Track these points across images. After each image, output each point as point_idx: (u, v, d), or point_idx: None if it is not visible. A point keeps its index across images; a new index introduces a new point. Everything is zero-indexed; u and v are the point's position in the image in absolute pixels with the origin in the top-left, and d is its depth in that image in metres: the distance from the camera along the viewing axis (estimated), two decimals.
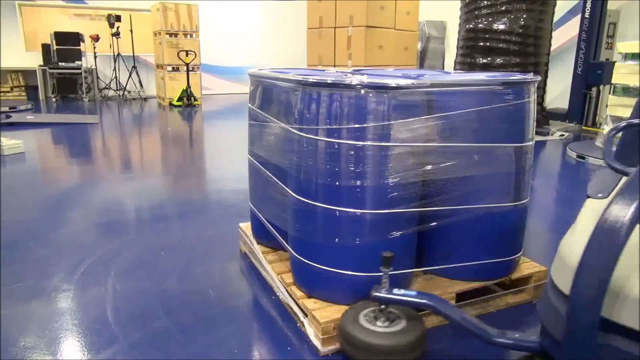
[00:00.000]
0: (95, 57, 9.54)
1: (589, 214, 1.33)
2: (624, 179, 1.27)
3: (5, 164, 4.32)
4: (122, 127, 6.98)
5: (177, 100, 9.20)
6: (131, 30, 9.75)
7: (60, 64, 9.45)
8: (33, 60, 9.49)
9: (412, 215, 1.71)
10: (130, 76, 9.81)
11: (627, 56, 4.91)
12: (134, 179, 4.08)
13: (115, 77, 9.87)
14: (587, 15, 6.48)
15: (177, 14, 9.13)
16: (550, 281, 1.28)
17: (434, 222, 1.77)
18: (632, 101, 4.75)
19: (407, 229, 1.70)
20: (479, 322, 1.47)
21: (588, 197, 1.46)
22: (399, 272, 1.74)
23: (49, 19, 9.82)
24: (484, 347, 1.68)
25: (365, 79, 1.59)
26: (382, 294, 1.53)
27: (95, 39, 9.42)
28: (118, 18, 9.50)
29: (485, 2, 5.65)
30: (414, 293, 1.56)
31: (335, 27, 6.49)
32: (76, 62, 9.53)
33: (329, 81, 1.61)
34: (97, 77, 9.87)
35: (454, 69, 6.32)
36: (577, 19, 6.87)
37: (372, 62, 6.31)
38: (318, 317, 1.63)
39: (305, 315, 1.72)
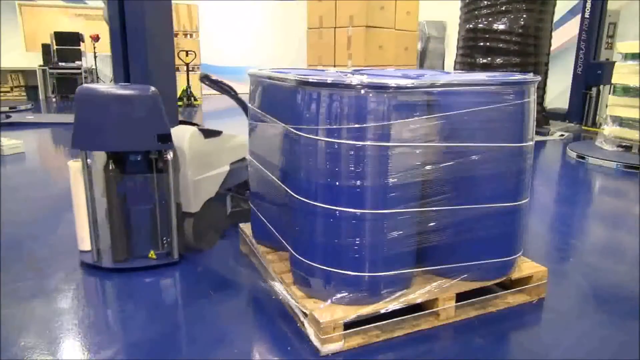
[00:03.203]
0: (95, 57, 9.53)
1: None
2: None
3: (5, 164, 4.32)
4: None
5: (177, 100, 9.19)
6: None
7: (60, 64, 9.45)
8: (33, 60, 9.47)
9: (412, 215, 1.71)
10: None
11: (627, 56, 4.91)
12: None
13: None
14: (587, 15, 6.48)
15: (177, 14, 9.13)
16: None
17: (434, 222, 1.77)
18: (632, 101, 4.75)
19: (407, 229, 1.70)
20: None
21: None
22: (399, 272, 1.74)
23: (49, 19, 9.81)
24: (484, 347, 1.68)
25: (365, 79, 1.59)
26: None
27: (95, 39, 9.40)
28: None
29: (485, 2, 5.64)
30: None
31: (335, 27, 6.49)
32: (76, 62, 9.52)
33: (329, 81, 1.61)
34: (97, 77, 9.87)
35: (454, 69, 6.31)
36: (577, 19, 6.87)
37: (372, 62, 6.31)
38: (318, 317, 1.63)
39: (305, 315, 1.72)
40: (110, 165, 2.12)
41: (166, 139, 2.11)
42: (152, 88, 2.06)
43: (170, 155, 2.15)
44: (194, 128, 2.33)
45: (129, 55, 2.27)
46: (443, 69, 9.62)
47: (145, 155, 2.18)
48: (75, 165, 2.18)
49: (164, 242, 2.25)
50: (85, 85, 1.97)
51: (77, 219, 2.26)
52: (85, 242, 2.27)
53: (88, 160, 2.12)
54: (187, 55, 9.15)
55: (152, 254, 2.22)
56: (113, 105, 2.03)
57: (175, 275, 2.20)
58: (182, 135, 2.25)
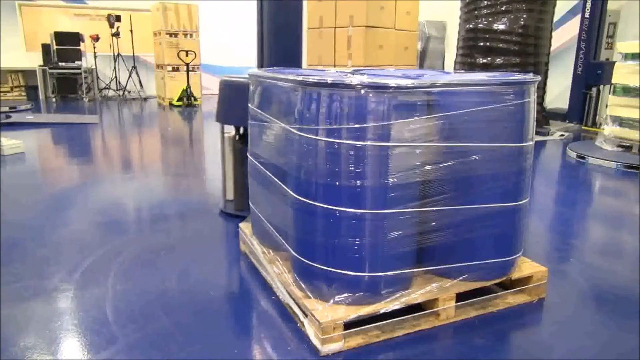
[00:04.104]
0: (95, 57, 9.54)
1: None
2: None
3: (5, 164, 4.32)
4: (122, 127, 6.98)
5: (177, 100, 9.19)
6: (131, 30, 9.74)
7: (60, 64, 9.45)
8: (33, 60, 9.48)
9: (412, 215, 1.71)
10: (130, 76, 9.80)
11: (627, 56, 4.91)
12: (134, 179, 4.08)
13: (115, 77, 9.86)
14: (587, 15, 6.48)
15: (177, 14, 9.12)
16: None
17: (434, 222, 1.77)
18: (632, 101, 4.75)
19: (407, 229, 1.70)
20: None
21: None
22: (400, 272, 1.74)
23: (49, 19, 9.81)
24: (484, 347, 1.68)
25: (365, 79, 1.59)
26: None
27: (95, 39, 9.41)
28: (118, 18, 9.49)
29: (485, 2, 5.64)
30: None
31: (335, 27, 6.48)
32: (76, 62, 9.52)
33: (329, 81, 1.61)
34: (97, 77, 9.86)
35: (454, 69, 6.31)
36: (577, 19, 6.87)
37: (372, 62, 6.30)
38: (318, 317, 1.63)
39: (305, 315, 1.72)
40: (237, 137, 2.81)
41: None
42: None
43: None
44: None
45: (263, 50, 3.10)
46: (443, 69, 9.62)
47: None
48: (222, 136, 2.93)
49: None
50: (224, 77, 2.80)
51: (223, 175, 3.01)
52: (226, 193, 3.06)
53: (230, 132, 2.89)
54: (187, 55, 9.15)
55: None
56: (234, 91, 2.73)
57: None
58: None
